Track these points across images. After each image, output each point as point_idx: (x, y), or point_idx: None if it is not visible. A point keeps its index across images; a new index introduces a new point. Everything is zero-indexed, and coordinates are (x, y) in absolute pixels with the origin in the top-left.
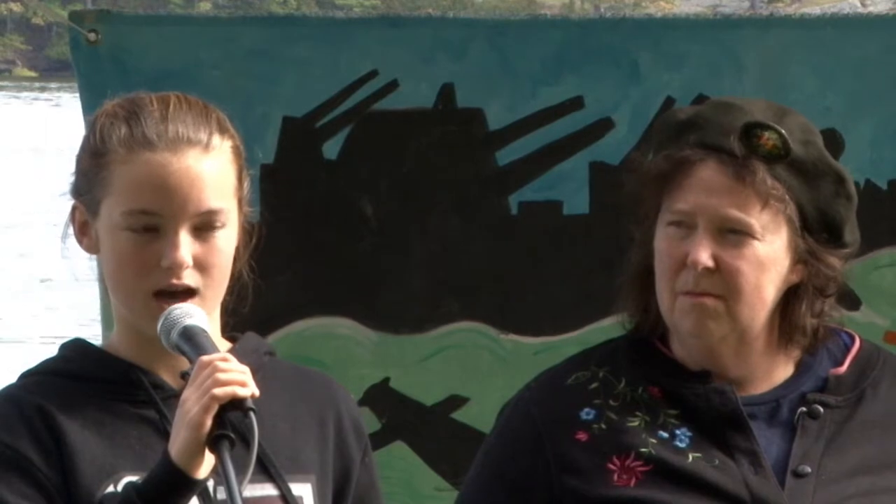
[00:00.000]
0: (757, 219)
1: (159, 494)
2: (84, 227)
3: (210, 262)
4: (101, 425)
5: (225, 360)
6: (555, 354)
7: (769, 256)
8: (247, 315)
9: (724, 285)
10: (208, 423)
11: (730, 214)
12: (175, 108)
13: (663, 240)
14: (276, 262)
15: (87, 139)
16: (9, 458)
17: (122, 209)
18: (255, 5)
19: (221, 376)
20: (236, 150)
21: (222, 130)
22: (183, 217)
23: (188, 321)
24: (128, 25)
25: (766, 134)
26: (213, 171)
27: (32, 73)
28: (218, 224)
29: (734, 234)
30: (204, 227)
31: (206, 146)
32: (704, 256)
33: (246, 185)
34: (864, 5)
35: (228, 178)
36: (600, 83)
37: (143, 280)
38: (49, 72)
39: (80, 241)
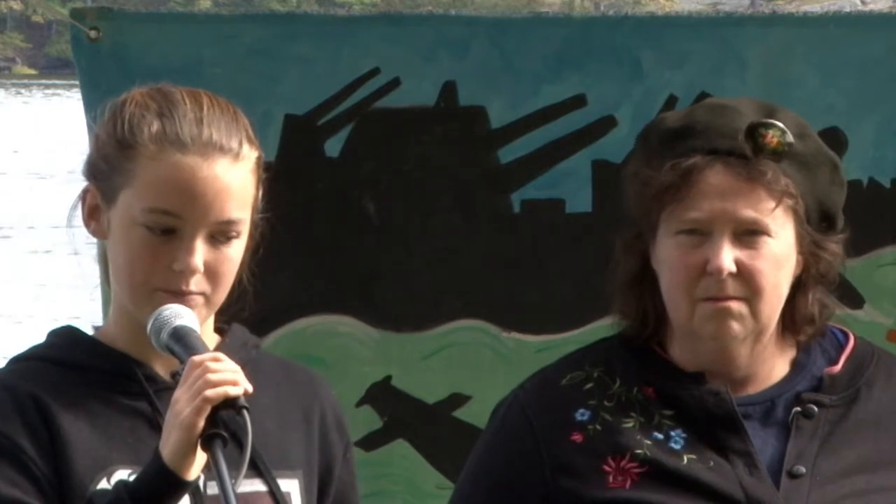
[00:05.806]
0: (770, 217)
1: (150, 495)
2: (94, 210)
3: (220, 270)
4: (94, 416)
5: (216, 359)
6: (557, 352)
7: (783, 252)
8: (248, 313)
9: (746, 287)
10: (200, 424)
11: (746, 216)
12: (209, 110)
13: (674, 249)
14: (277, 260)
15: (112, 125)
16: (1, 445)
17: (143, 205)
18: (255, 3)
19: (213, 377)
20: (259, 161)
21: (250, 140)
22: (203, 223)
23: (178, 322)
24: (129, 23)
25: (770, 132)
26: (238, 181)
27: (32, 71)
28: (234, 234)
29: (750, 236)
30: (220, 235)
31: (237, 156)
32: (728, 262)
33: (260, 194)
34: (864, 3)
35: (249, 189)
36: (602, 81)
37: (151, 277)
38: (49, 69)
39: (86, 224)
